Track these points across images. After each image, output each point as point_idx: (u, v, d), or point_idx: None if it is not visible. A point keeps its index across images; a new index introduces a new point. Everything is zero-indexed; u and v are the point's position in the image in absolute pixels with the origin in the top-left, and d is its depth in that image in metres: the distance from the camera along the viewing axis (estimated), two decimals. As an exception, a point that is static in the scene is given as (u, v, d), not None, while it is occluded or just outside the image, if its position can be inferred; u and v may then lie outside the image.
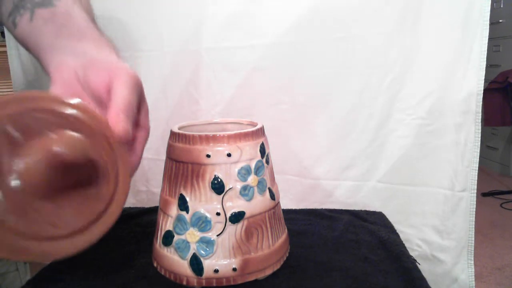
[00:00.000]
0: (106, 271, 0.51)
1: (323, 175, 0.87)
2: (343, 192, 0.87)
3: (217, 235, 0.44)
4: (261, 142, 0.48)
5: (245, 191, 0.45)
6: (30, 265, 0.73)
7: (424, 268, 0.55)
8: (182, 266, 0.45)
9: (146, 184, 1.08)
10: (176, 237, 0.46)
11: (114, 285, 0.48)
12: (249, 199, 0.46)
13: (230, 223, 0.44)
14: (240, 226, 0.45)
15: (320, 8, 0.78)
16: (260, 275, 0.47)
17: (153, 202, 1.06)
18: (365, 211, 0.74)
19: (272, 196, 0.49)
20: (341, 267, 0.51)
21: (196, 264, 0.44)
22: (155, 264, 0.50)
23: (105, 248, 0.58)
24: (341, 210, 0.74)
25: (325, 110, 0.84)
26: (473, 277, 0.81)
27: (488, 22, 0.70)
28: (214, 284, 0.45)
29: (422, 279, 0.48)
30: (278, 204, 0.52)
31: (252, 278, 0.46)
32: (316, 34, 0.80)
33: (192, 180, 0.45)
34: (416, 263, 0.54)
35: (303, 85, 0.84)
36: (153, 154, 1.03)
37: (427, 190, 0.81)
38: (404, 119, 0.79)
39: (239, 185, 0.45)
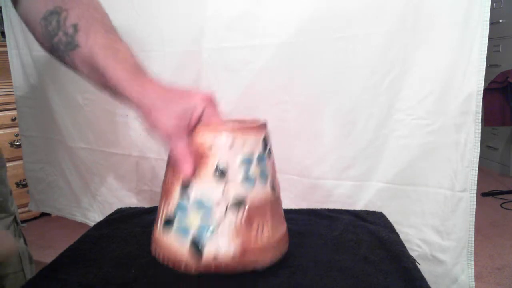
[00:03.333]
0: (106, 271, 0.51)
1: (323, 175, 0.87)
2: (343, 192, 0.87)
3: (217, 222, 0.45)
4: (264, 136, 0.49)
5: (247, 180, 0.46)
6: (35, 266, 0.73)
7: (424, 268, 0.55)
8: (181, 252, 0.45)
9: (149, 184, 1.08)
10: (176, 223, 0.46)
11: (114, 285, 0.48)
12: (251, 188, 0.46)
13: (230, 210, 0.45)
14: (240, 214, 0.45)
15: (320, 8, 0.78)
16: (259, 265, 0.47)
17: (155, 202, 1.07)
18: (365, 211, 0.74)
19: (273, 188, 0.49)
20: (341, 267, 0.51)
21: (195, 249, 0.45)
22: (153, 251, 0.50)
23: (105, 248, 0.58)
24: (341, 210, 0.74)
25: (326, 110, 0.84)
26: (473, 277, 0.81)
27: (488, 22, 0.70)
28: (213, 270, 0.45)
29: (422, 279, 0.48)
30: (279, 198, 0.52)
31: (250, 266, 0.46)
32: (316, 34, 0.80)
33: (195, 168, 0.45)
34: (416, 263, 0.54)
35: (303, 85, 0.84)
36: (156, 154, 1.03)
37: (427, 190, 0.81)
38: (404, 119, 0.79)
39: (240, 174, 0.45)
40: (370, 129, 0.81)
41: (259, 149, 0.47)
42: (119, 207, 0.79)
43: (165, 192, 0.49)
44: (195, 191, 0.45)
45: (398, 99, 0.79)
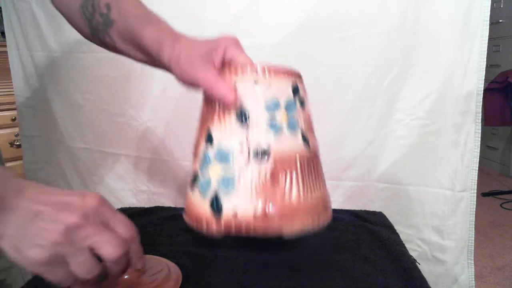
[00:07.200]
0: (106, 271, 0.51)
1: (323, 175, 0.87)
2: (343, 192, 0.87)
3: (238, 174, 0.40)
4: (296, 83, 0.44)
5: (272, 124, 0.41)
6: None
7: (424, 268, 0.55)
8: (203, 207, 0.41)
9: (147, 184, 1.08)
10: (200, 177, 0.42)
11: (114, 285, 0.48)
12: (276, 133, 0.41)
13: (254, 159, 0.40)
14: (265, 165, 0.40)
15: (320, 8, 0.78)
16: (285, 230, 0.40)
17: (154, 202, 1.07)
18: (365, 211, 0.74)
19: (306, 141, 0.44)
20: (341, 267, 0.51)
21: (215, 203, 0.40)
22: (184, 216, 0.45)
23: (105, 248, 0.58)
24: (341, 210, 0.74)
25: (325, 110, 0.84)
26: (473, 277, 0.81)
27: (488, 22, 0.70)
28: (233, 229, 0.39)
29: (422, 279, 0.48)
30: (317, 156, 0.47)
31: (274, 229, 0.39)
32: (316, 34, 0.80)
33: (219, 113, 0.41)
34: (416, 263, 0.54)
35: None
36: (153, 153, 1.03)
37: (427, 190, 0.81)
38: (404, 119, 0.79)
39: (265, 118, 0.41)
40: (370, 129, 0.81)
41: (288, 94, 0.43)
42: (118, 207, 0.79)
43: (194, 149, 0.45)
44: (218, 137, 0.41)
45: (398, 99, 0.79)
